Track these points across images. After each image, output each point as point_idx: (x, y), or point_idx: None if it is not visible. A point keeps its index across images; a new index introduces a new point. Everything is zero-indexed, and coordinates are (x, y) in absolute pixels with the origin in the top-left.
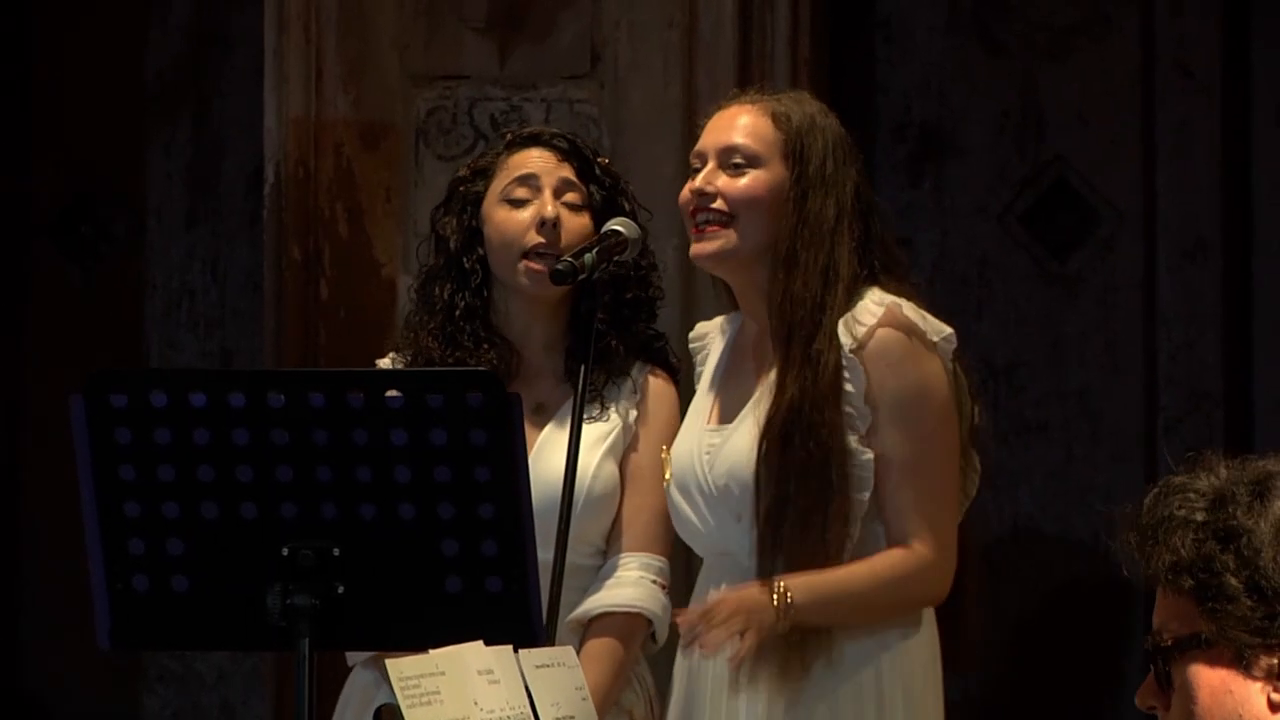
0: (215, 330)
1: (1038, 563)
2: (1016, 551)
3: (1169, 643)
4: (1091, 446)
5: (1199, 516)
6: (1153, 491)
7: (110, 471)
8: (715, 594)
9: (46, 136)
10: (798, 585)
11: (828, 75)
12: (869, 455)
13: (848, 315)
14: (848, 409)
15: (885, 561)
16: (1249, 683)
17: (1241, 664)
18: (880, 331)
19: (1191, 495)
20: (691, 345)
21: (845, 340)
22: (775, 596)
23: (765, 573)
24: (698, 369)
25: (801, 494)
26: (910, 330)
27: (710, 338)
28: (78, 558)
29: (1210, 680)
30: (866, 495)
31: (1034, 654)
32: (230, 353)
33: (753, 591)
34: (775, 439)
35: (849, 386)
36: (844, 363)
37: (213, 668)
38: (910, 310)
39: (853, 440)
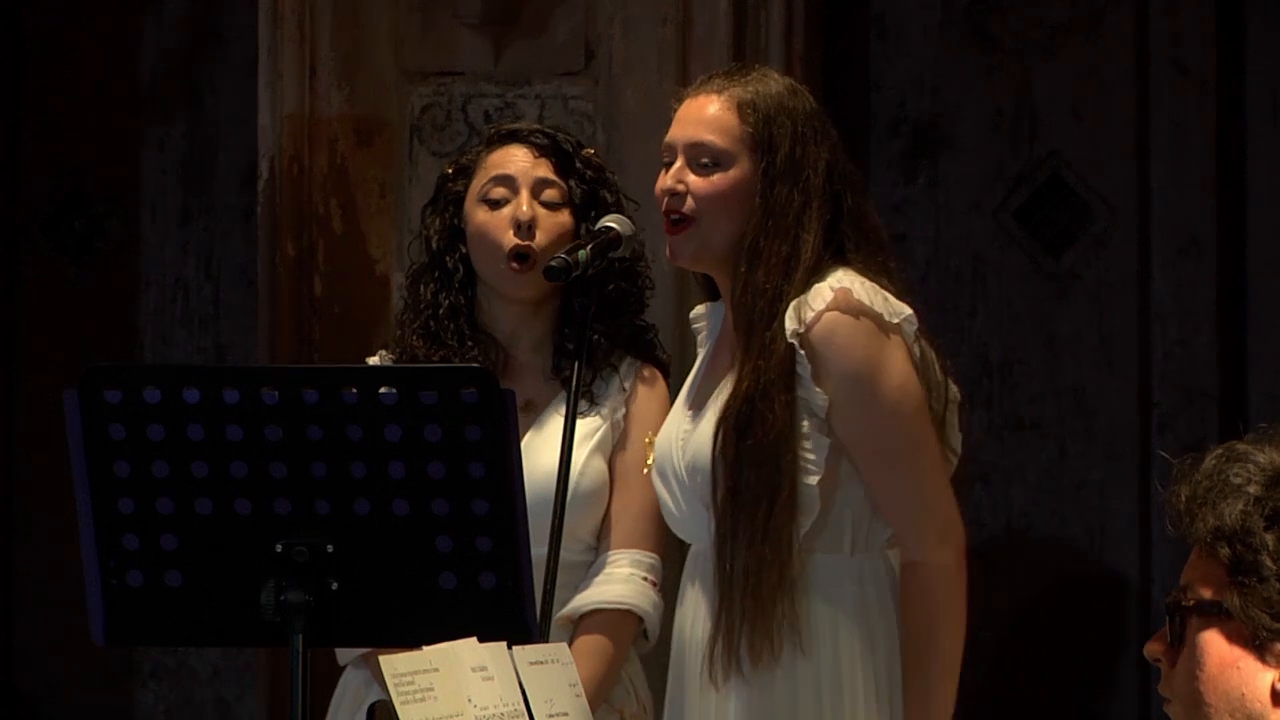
0: (209, 326)
1: (1031, 560)
2: (1009, 549)
3: (1191, 603)
4: (1086, 443)
5: (1253, 489)
6: (1215, 452)
7: (104, 467)
8: None
9: (41, 132)
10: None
11: (821, 72)
12: (825, 440)
13: (800, 299)
14: (801, 394)
15: (918, 624)
16: (1259, 665)
17: (1256, 644)
18: (827, 316)
19: (1251, 466)
20: (693, 326)
21: (791, 324)
22: None
23: (724, 562)
24: (699, 349)
25: (754, 481)
26: (860, 312)
27: (705, 320)
28: (72, 554)
29: (1221, 651)
30: (815, 480)
31: (1026, 652)
32: (224, 349)
33: None
34: (730, 429)
35: (799, 370)
36: (793, 346)
37: (207, 664)
38: (865, 292)
39: (807, 425)
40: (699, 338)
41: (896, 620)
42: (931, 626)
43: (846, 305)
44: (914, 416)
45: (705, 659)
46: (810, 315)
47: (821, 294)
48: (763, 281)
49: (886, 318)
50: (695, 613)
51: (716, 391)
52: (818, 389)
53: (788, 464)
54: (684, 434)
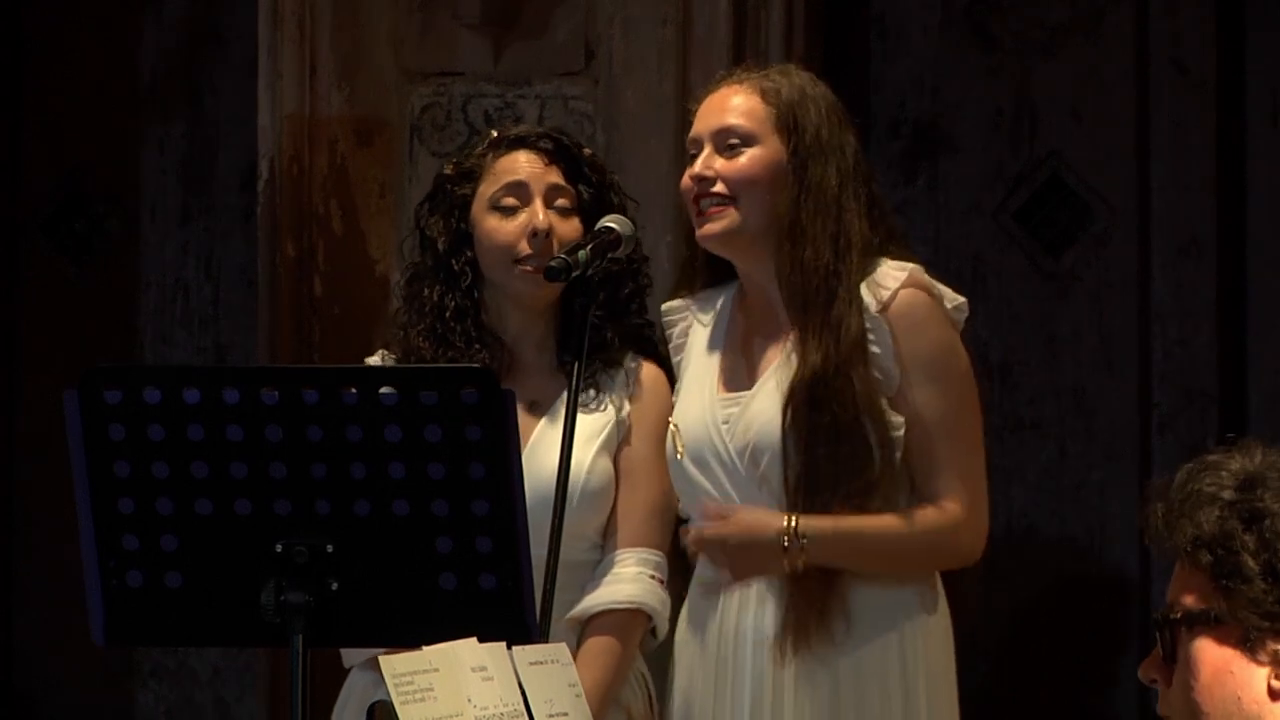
0: (209, 326)
1: (1031, 560)
2: (1010, 549)
3: (1179, 615)
4: (1086, 444)
5: (1227, 495)
6: (1187, 466)
7: (104, 467)
8: (724, 517)
9: (41, 132)
10: (813, 530)
11: (821, 72)
12: (900, 418)
13: (869, 279)
14: (875, 372)
15: (913, 514)
16: (1253, 665)
17: (1247, 646)
18: (904, 293)
19: (1223, 474)
20: (666, 319)
21: (870, 302)
22: (786, 540)
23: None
24: (674, 341)
25: (832, 461)
26: (931, 291)
27: (686, 312)
28: (72, 554)
29: (1214, 658)
30: (899, 456)
31: (1026, 652)
32: (224, 349)
33: (762, 536)
34: (801, 405)
35: (875, 349)
36: (869, 324)
37: (207, 664)
38: (928, 277)
39: (883, 403)
40: (675, 330)
41: (934, 609)
42: (915, 529)
43: (919, 284)
44: (973, 399)
45: (773, 654)
46: (885, 294)
47: (891, 274)
48: (813, 259)
49: (946, 303)
50: (742, 602)
51: (771, 370)
52: (894, 365)
53: (874, 441)
54: (729, 416)
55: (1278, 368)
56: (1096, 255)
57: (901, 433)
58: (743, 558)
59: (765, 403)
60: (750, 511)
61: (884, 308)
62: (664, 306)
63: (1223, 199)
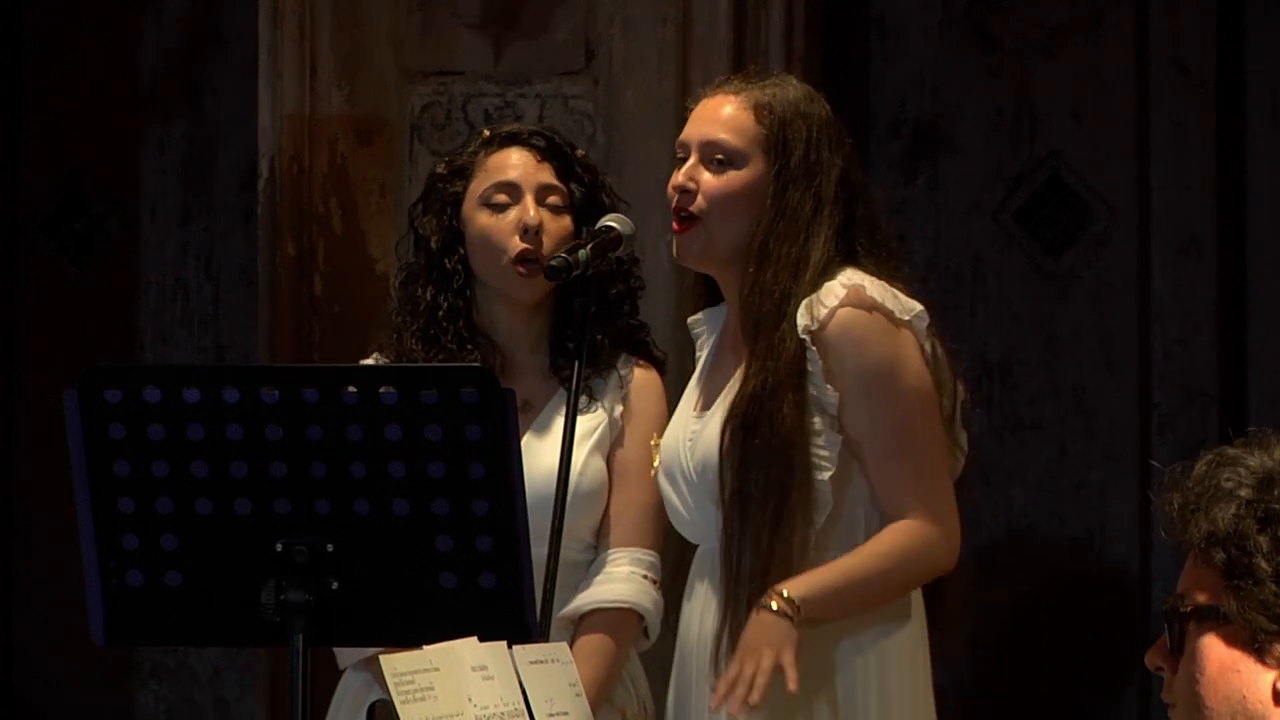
0: (209, 326)
1: (1031, 560)
2: (1009, 549)
3: (1189, 609)
4: (1085, 444)
5: (1244, 493)
6: (1206, 458)
7: (104, 467)
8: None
9: (41, 132)
10: (798, 586)
11: (821, 72)
12: (837, 437)
13: (811, 297)
14: (812, 390)
15: (885, 542)
16: (1259, 667)
17: (1255, 647)
18: (841, 312)
19: (1242, 470)
20: (692, 332)
21: (804, 321)
22: (777, 606)
23: (730, 560)
24: (698, 354)
25: (762, 480)
26: (874, 308)
27: (703, 326)
28: (72, 554)
29: (1221, 655)
30: (827, 477)
31: (1026, 652)
32: (224, 348)
33: (755, 624)
34: (737, 427)
35: (809, 367)
36: (805, 343)
37: (207, 664)
38: (876, 290)
39: (818, 423)
40: (698, 342)
41: (908, 615)
42: (892, 558)
43: (859, 301)
44: (927, 411)
45: (711, 656)
46: (823, 312)
47: (833, 291)
48: (771, 282)
49: (898, 314)
50: (704, 610)
51: (724, 392)
52: (829, 386)
53: (799, 463)
54: (692, 434)
55: (1278, 368)
56: (1096, 255)
57: (830, 452)
58: (760, 646)
59: (715, 424)
60: (747, 630)
61: (821, 327)
62: (690, 320)
63: (1223, 199)
